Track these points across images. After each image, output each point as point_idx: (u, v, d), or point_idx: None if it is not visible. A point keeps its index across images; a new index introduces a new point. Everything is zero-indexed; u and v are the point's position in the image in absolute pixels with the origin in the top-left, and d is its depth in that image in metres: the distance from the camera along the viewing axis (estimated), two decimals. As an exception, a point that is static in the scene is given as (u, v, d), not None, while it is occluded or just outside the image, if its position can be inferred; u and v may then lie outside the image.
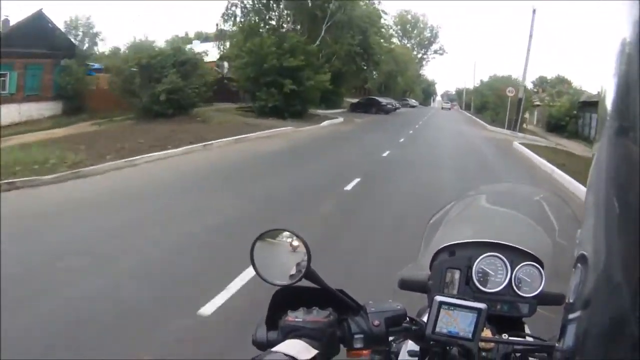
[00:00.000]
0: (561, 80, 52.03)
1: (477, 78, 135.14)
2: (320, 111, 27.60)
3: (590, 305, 0.47)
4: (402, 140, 17.84)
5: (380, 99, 36.96)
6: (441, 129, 26.12)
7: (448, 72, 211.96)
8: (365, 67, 35.54)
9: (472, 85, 72.70)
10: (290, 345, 0.89)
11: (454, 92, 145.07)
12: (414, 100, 67.06)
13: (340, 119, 24.06)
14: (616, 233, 0.43)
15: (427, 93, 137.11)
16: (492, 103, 37.45)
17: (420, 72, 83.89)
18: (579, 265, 0.53)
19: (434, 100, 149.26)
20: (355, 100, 36.44)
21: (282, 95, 21.35)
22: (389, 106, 35.67)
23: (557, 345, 0.64)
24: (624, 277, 0.41)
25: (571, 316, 0.53)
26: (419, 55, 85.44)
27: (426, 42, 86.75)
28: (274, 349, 0.86)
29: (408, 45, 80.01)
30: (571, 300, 0.55)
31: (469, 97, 79.82)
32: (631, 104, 0.43)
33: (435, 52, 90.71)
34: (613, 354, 0.44)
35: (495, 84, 45.02)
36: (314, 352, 0.88)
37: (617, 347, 0.44)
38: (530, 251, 1.29)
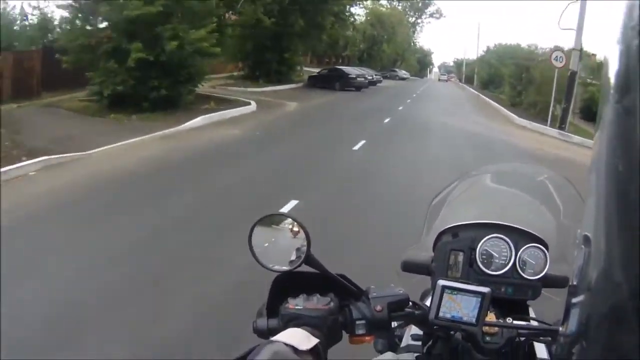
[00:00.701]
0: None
1: (481, 46, 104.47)
2: (241, 89, 19.44)
3: (593, 288, 0.51)
4: (356, 148, 10.45)
5: (349, 70, 27.22)
6: (439, 125, 16.28)
7: (446, 41, 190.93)
8: (329, 27, 26.28)
9: (476, 54, 59.32)
10: (290, 335, 0.90)
11: (452, 64, 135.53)
12: (404, 72, 58.65)
13: (252, 107, 14.85)
14: (617, 214, 0.47)
15: (422, 64, 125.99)
16: (512, 77, 27.38)
17: (414, 39, 73.36)
18: (582, 246, 0.55)
19: (430, 72, 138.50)
20: (314, 72, 26.40)
21: (128, 71, 11.78)
22: (359, 79, 25.70)
23: (560, 329, 0.67)
24: (627, 259, 0.45)
25: (575, 300, 0.56)
26: (412, 20, 74.48)
27: (420, 4, 75.13)
28: (274, 338, 0.86)
29: (399, 7, 69.88)
30: (574, 283, 0.58)
31: (471, 69, 70.84)
32: (632, 84, 0.46)
33: (431, 15, 77.60)
34: (618, 338, 0.47)
35: (511, 52, 35.97)
36: (315, 341, 0.89)
37: (622, 331, 0.47)
38: (534, 232, 1.26)
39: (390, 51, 52.13)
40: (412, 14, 69.77)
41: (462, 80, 74.86)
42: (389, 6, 57.21)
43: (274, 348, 0.84)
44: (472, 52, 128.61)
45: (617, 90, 0.48)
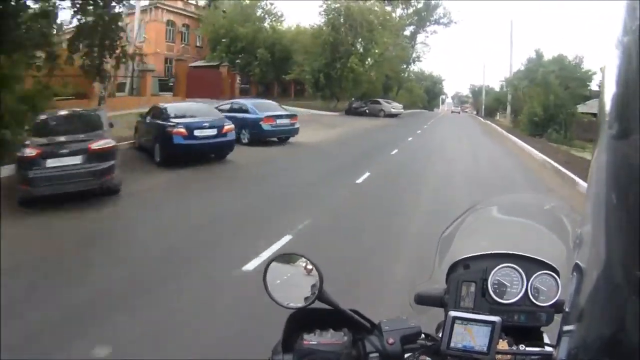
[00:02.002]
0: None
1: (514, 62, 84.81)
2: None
3: (584, 316, 0.53)
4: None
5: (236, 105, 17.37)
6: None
7: (460, 67, 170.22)
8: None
9: (509, 73, 46.82)
10: None
11: (465, 94, 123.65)
12: (395, 104, 40.61)
13: None
14: (616, 237, 0.48)
15: (431, 93, 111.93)
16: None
17: (415, 57, 59.27)
18: (574, 274, 0.57)
19: (442, 103, 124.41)
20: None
21: None
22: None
23: (554, 353, 0.69)
24: (624, 282, 0.46)
25: (567, 327, 0.58)
26: (410, 31, 58.11)
27: (420, 5, 56.48)
28: None
29: (394, 14, 50.48)
30: (567, 310, 0.60)
31: (494, 98, 58.49)
32: (631, 105, 0.48)
33: (438, 21, 58.95)
34: None
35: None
36: None
37: (610, 357, 0.48)
38: (545, 260, 1.34)
39: (369, 71, 38.44)
40: (411, 22, 56.72)
41: (480, 111, 64.92)
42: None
43: None
44: (493, 78, 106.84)
45: (613, 117, 0.50)
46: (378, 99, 35.49)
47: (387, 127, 25.59)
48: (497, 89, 62.06)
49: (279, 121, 14.80)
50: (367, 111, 31.35)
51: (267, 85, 36.18)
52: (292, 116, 15.31)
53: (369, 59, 34.94)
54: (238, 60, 32.89)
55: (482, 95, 63.98)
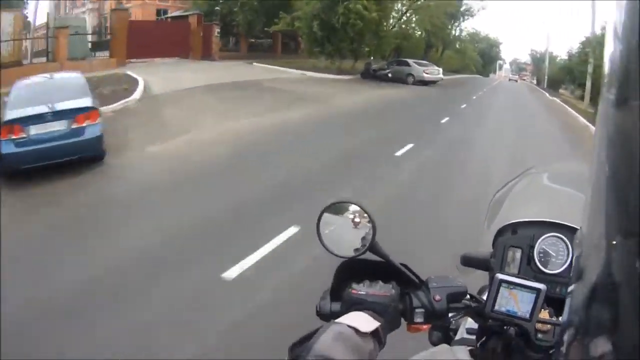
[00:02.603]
0: None
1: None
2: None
3: (580, 274, 0.56)
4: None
5: None
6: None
7: (519, 33, 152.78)
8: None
9: (590, 32, 35.45)
10: (353, 317, 0.97)
11: (525, 61, 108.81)
12: (433, 69, 30.14)
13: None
14: (614, 198, 0.50)
15: (487, 57, 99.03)
16: None
17: (463, 7, 49.70)
18: (577, 241, 0.61)
19: (500, 68, 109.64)
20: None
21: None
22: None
23: (560, 318, 0.70)
24: (621, 246, 0.47)
25: (569, 289, 0.62)
26: None
27: None
28: (337, 320, 0.93)
29: None
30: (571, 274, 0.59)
31: (560, 68, 49.84)
32: (631, 69, 0.47)
33: None
34: (600, 316, 0.52)
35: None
36: (376, 324, 0.96)
37: (604, 309, 0.51)
38: None
39: (395, 22, 30.43)
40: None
41: (542, 82, 57.94)
42: None
43: (337, 329, 0.88)
44: (557, 45, 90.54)
45: (615, 87, 0.49)
46: (407, 60, 27.98)
47: (404, 103, 19.30)
48: (562, 56, 52.97)
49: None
50: (389, 75, 25.05)
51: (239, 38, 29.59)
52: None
53: (397, 4, 27.95)
54: (217, 7, 26.81)
55: (545, 63, 59.33)
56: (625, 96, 0.45)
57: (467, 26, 61.02)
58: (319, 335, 0.86)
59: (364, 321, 0.95)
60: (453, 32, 49.72)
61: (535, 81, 64.07)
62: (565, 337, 0.56)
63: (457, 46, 56.40)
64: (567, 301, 0.56)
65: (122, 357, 2.82)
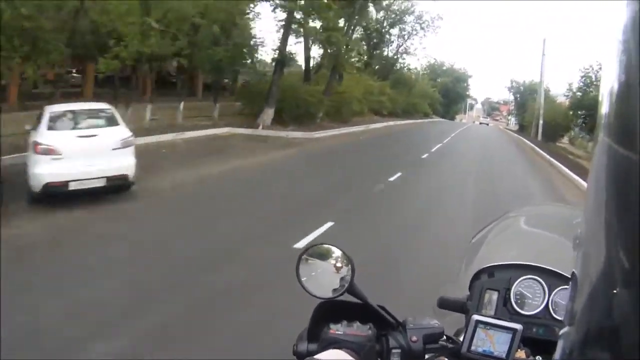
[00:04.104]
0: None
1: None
2: None
3: (575, 319, 0.54)
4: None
5: None
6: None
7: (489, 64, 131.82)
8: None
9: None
10: (330, 355, 1.01)
11: (499, 101, 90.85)
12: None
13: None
14: (613, 241, 0.46)
15: (452, 94, 77.40)
16: None
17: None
18: (570, 282, 0.59)
19: (471, 108, 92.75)
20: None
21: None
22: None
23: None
24: (618, 285, 0.45)
25: (562, 331, 0.59)
26: None
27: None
28: (315, 356, 0.98)
29: None
30: (560, 318, 0.75)
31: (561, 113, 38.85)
32: (631, 106, 0.44)
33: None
34: None
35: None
36: None
37: (600, 355, 0.48)
38: (568, 275, 1.32)
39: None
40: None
41: (527, 128, 46.47)
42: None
43: None
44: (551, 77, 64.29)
45: (608, 123, 0.48)
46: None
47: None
48: (554, 90, 46.30)
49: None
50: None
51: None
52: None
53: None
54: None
55: (537, 98, 40.77)
56: (624, 132, 0.44)
57: (419, 53, 58.84)
58: None
59: (342, 358, 1.02)
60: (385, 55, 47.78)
61: (515, 124, 58.69)
62: None
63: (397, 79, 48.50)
64: (560, 343, 0.58)
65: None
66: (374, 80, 40.89)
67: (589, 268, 0.49)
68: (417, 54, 47.21)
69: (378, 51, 47.17)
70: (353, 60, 33.90)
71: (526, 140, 36.27)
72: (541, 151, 26.00)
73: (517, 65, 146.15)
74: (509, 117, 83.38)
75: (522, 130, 54.26)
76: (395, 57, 48.16)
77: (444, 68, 75.59)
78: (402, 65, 49.28)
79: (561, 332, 0.58)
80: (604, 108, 0.48)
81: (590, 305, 0.48)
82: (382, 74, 46.81)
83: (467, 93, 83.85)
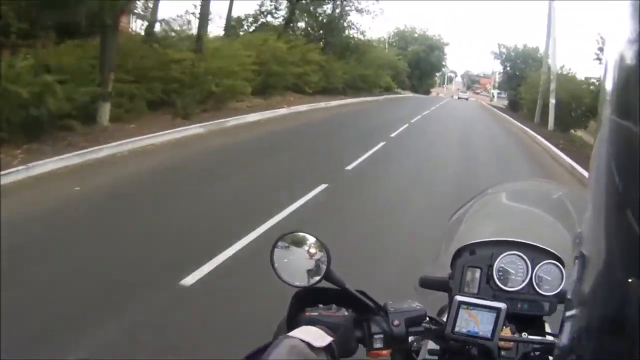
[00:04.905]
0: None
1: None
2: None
3: (585, 301, 0.54)
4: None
5: None
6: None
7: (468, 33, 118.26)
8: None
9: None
10: (306, 331, 1.01)
11: (478, 74, 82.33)
12: None
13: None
14: (617, 226, 0.47)
15: (425, 65, 63.86)
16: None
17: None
18: (577, 261, 0.59)
19: (450, 81, 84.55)
20: None
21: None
22: None
23: (556, 342, 0.84)
24: (624, 271, 0.46)
25: (569, 313, 0.60)
26: None
27: None
28: (290, 333, 1.00)
29: None
30: (569, 297, 0.63)
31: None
32: (631, 93, 0.45)
33: None
34: (607, 349, 0.50)
35: None
36: (329, 339, 1.01)
37: (612, 343, 0.49)
38: (550, 249, 1.51)
39: None
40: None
41: (520, 107, 39.74)
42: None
43: (290, 343, 0.94)
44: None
45: (614, 100, 0.49)
46: None
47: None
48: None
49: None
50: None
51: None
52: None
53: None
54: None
55: (546, 69, 28.27)
56: (627, 114, 0.44)
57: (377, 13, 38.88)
58: (272, 349, 0.93)
59: (317, 336, 1.02)
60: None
61: (502, 100, 50.96)
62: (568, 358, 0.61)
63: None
64: (567, 326, 0.58)
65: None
66: (299, 44, 28.30)
67: (599, 247, 0.49)
68: (370, 11, 34.34)
69: (307, 1, 32.44)
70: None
71: (527, 129, 24.76)
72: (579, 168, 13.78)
73: (503, 31, 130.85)
74: (492, 92, 70.70)
75: (515, 109, 41.45)
76: (339, 14, 34.31)
77: (415, 35, 62.76)
78: (351, 26, 36.04)
79: (568, 313, 0.58)
80: (608, 84, 0.49)
81: (603, 291, 0.48)
82: (318, 38, 35.84)
83: (444, 64, 72.23)
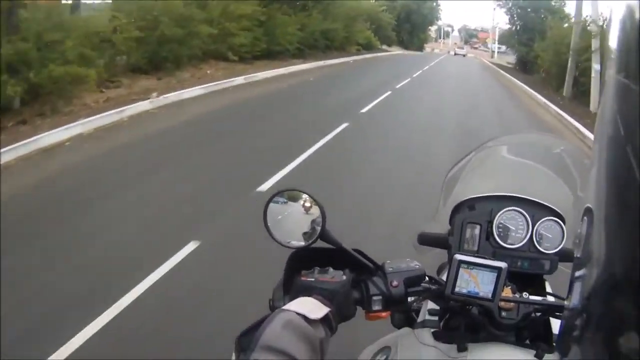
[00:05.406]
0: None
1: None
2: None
3: (595, 259, 0.52)
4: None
5: None
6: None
7: None
8: None
9: None
10: (301, 303, 1.01)
11: (476, 28, 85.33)
12: None
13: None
14: (622, 184, 0.47)
15: (414, 20, 55.64)
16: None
17: None
18: (585, 218, 0.58)
19: (447, 36, 79.92)
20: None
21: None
22: None
23: (565, 303, 0.72)
24: (631, 225, 0.45)
25: (578, 273, 0.59)
26: None
27: None
28: (285, 306, 1.00)
29: None
30: (578, 256, 0.62)
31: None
32: (632, 55, 0.46)
33: None
34: (619, 309, 0.48)
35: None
36: (326, 310, 1.00)
37: (622, 302, 0.47)
38: (551, 206, 1.49)
39: None
40: None
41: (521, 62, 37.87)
42: None
43: (285, 317, 0.94)
44: None
45: (618, 58, 0.49)
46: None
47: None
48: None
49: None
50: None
51: None
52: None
53: None
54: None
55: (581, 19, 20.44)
56: (629, 78, 0.45)
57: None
58: (267, 325, 0.92)
59: (313, 307, 1.00)
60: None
61: (503, 55, 47.30)
62: (577, 322, 0.57)
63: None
64: (576, 286, 0.58)
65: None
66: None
67: (607, 205, 0.49)
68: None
69: None
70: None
71: (560, 111, 15.52)
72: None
73: None
74: (492, 47, 61.78)
75: (525, 69, 32.41)
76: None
77: None
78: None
79: (577, 273, 0.59)
80: (613, 42, 0.49)
81: (613, 247, 0.48)
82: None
83: (437, 15, 63.07)
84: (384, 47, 47.25)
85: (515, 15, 51.71)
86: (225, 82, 15.68)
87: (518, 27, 49.49)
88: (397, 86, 18.35)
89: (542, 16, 42.93)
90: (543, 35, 30.78)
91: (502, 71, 37.50)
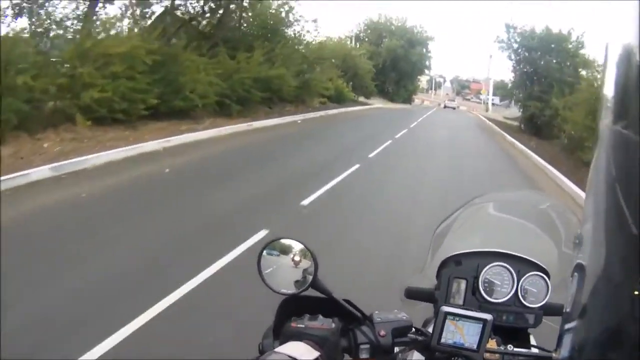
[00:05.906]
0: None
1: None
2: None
3: (586, 313, 0.53)
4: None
5: None
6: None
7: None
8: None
9: None
10: (292, 347, 1.08)
11: (467, 79, 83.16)
12: None
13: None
14: (617, 237, 0.46)
15: (401, 68, 46.73)
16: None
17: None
18: (575, 274, 0.59)
19: (439, 87, 76.36)
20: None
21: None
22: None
23: (553, 355, 0.83)
24: (624, 281, 0.45)
25: (568, 326, 0.59)
26: None
27: None
28: (276, 349, 1.10)
29: None
30: (568, 310, 0.61)
31: None
32: (631, 107, 0.44)
33: None
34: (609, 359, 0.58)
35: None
36: (316, 354, 1.08)
37: (613, 353, 0.47)
38: (536, 261, 1.58)
39: None
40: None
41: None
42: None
43: (277, 359, 1.06)
44: None
45: (614, 110, 0.46)
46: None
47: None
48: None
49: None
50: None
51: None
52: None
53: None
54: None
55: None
56: (626, 127, 0.40)
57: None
58: None
59: (304, 351, 1.15)
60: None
61: (499, 108, 42.27)
62: None
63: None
64: (567, 338, 0.58)
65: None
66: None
67: (600, 261, 0.46)
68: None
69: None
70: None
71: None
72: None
73: (498, 29, 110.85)
74: (485, 98, 53.91)
75: (537, 131, 23.01)
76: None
77: (392, 27, 46.43)
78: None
79: (567, 326, 0.56)
80: (608, 92, 0.48)
81: (605, 301, 0.46)
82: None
83: (428, 64, 54.12)
84: (361, 99, 37.79)
85: (522, 60, 37.85)
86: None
87: (525, 76, 36.88)
88: (303, 203, 8.89)
89: (555, 61, 32.48)
90: (562, 87, 24.72)
91: (503, 132, 28.92)
